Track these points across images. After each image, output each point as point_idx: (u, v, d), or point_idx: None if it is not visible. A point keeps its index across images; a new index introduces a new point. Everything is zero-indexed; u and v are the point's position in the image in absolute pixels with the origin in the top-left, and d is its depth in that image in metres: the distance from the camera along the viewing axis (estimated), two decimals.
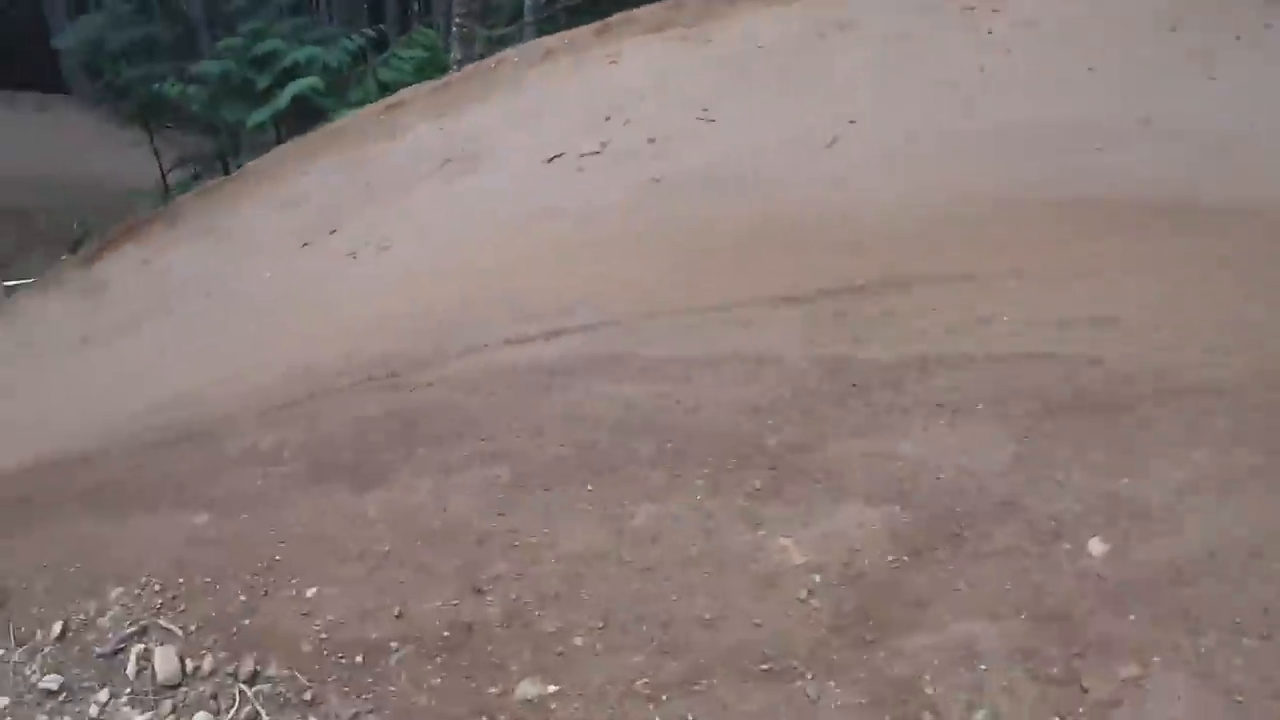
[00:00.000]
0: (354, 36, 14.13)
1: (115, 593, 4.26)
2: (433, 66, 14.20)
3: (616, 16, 8.70)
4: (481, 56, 13.41)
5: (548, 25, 14.78)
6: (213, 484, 4.75)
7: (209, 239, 10.11)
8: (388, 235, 7.94)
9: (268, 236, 9.38)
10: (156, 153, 16.35)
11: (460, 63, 12.41)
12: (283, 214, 9.60)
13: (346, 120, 10.54)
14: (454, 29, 12.61)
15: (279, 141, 14.51)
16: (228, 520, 4.46)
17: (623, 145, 7.14)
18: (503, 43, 14.64)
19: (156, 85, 14.01)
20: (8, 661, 4.05)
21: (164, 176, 16.31)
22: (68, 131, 20.29)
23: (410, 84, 14.24)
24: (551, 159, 7.31)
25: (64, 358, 10.01)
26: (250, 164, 11.40)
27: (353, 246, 8.07)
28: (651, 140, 7.09)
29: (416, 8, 25.28)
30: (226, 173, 15.78)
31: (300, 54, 13.38)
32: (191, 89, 13.68)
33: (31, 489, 5.36)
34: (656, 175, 6.65)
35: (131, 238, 11.37)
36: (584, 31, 8.71)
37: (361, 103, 13.46)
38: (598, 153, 7.15)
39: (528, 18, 14.81)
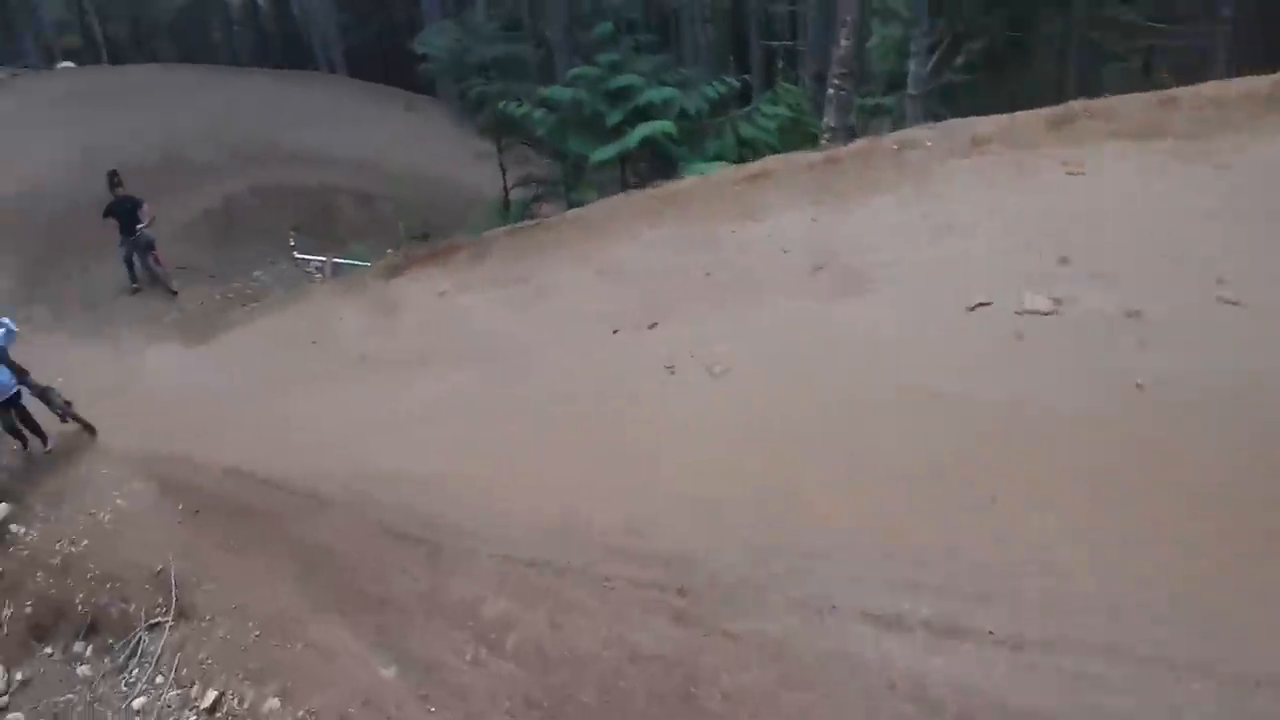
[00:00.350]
0: (716, 83, 12.77)
1: None
2: (797, 130, 12.68)
3: (1077, 105, 6.49)
4: (854, 128, 11.63)
5: (937, 101, 12.67)
6: None
7: (513, 290, 9.52)
8: (721, 355, 6.68)
9: (577, 307, 8.60)
10: (503, 167, 16.47)
11: (833, 132, 10.67)
12: (599, 283, 8.77)
13: (695, 183, 9.29)
14: (830, 91, 10.85)
15: (623, 182, 13.61)
16: None
17: (1088, 310, 4.95)
18: (876, 114, 12.71)
19: (506, 104, 13.33)
20: None
21: (506, 192, 16.38)
22: (428, 131, 21.19)
23: (771, 145, 12.89)
24: (974, 307, 5.24)
25: (339, 371, 9.53)
26: (575, 213, 10.73)
27: (673, 355, 6.95)
28: (1133, 314, 4.83)
29: (781, 62, 23.82)
30: (568, 201, 15.18)
31: (657, 94, 12.33)
32: (540, 113, 13.10)
33: None
34: (1141, 376, 4.42)
35: (436, 262, 10.99)
36: (1030, 120, 6.69)
37: (717, 157, 12.14)
38: (1048, 314, 5.01)
39: (912, 89, 12.83)
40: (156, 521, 8.41)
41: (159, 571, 7.79)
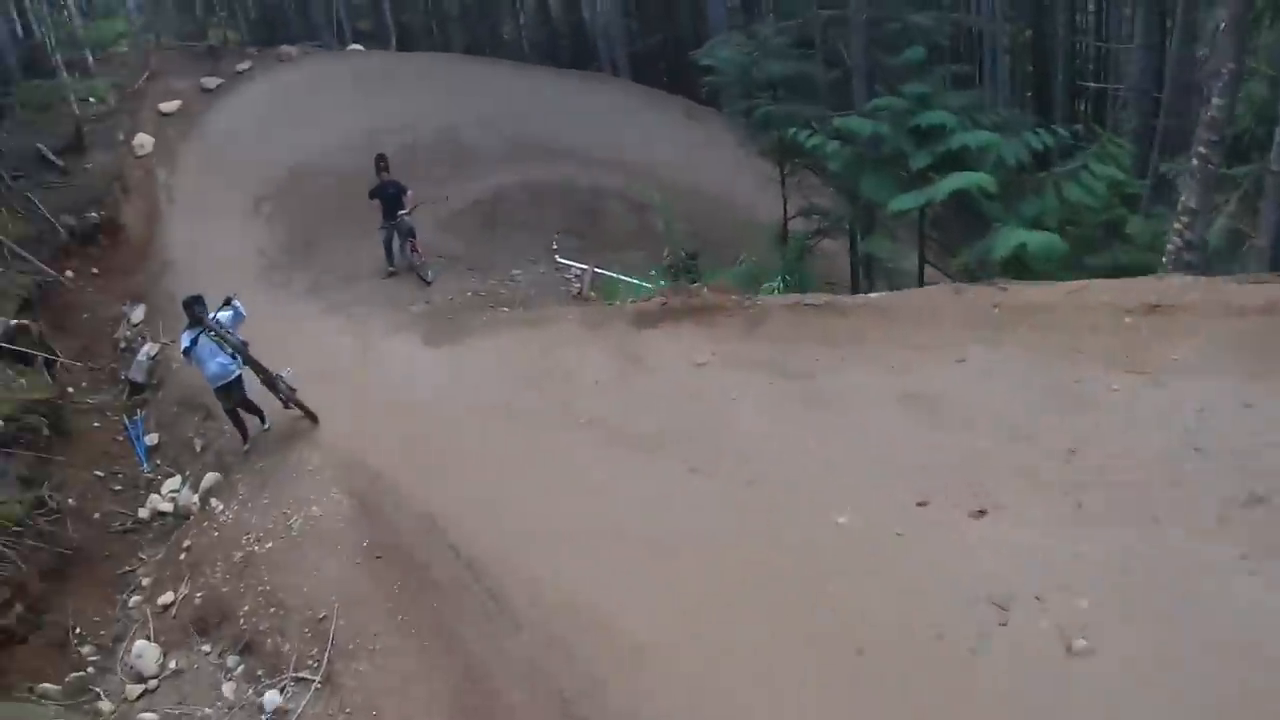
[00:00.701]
0: (1041, 131, 11.35)
1: None
2: (1119, 194, 11.07)
3: None
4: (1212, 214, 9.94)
5: None
6: None
7: (789, 386, 8.50)
8: (1083, 616, 4.75)
9: (871, 440, 7.34)
10: (784, 195, 15.98)
11: (1193, 216, 9.06)
12: (903, 415, 7.50)
13: (1058, 297, 8.15)
14: (1194, 162, 9.26)
15: (920, 236, 12.39)
16: None
17: None
18: (1248, 200, 10.84)
19: (796, 130, 12.45)
20: None
21: (785, 221, 15.46)
22: (707, 145, 21.03)
23: (1097, 210, 11.36)
24: None
25: (562, 432, 9.10)
26: (879, 299, 9.81)
27: (1008, 588, 5.13)
28: None
29: (1086, 106, 21.23)
30: (852, 245, 14.18)
31: (973, 138, 11.29)
32: (833, 145, 12.24)
33: None
34: None
35: (699, 319, 10.30)
36: None
37: (1036, 222, 10.76)
38: None
39: (1276, 164, 10.75)
40: (339, 549, 8.34)
41: (322, 618, 7.62)
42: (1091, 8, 22.88)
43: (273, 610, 7.93)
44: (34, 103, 16.90)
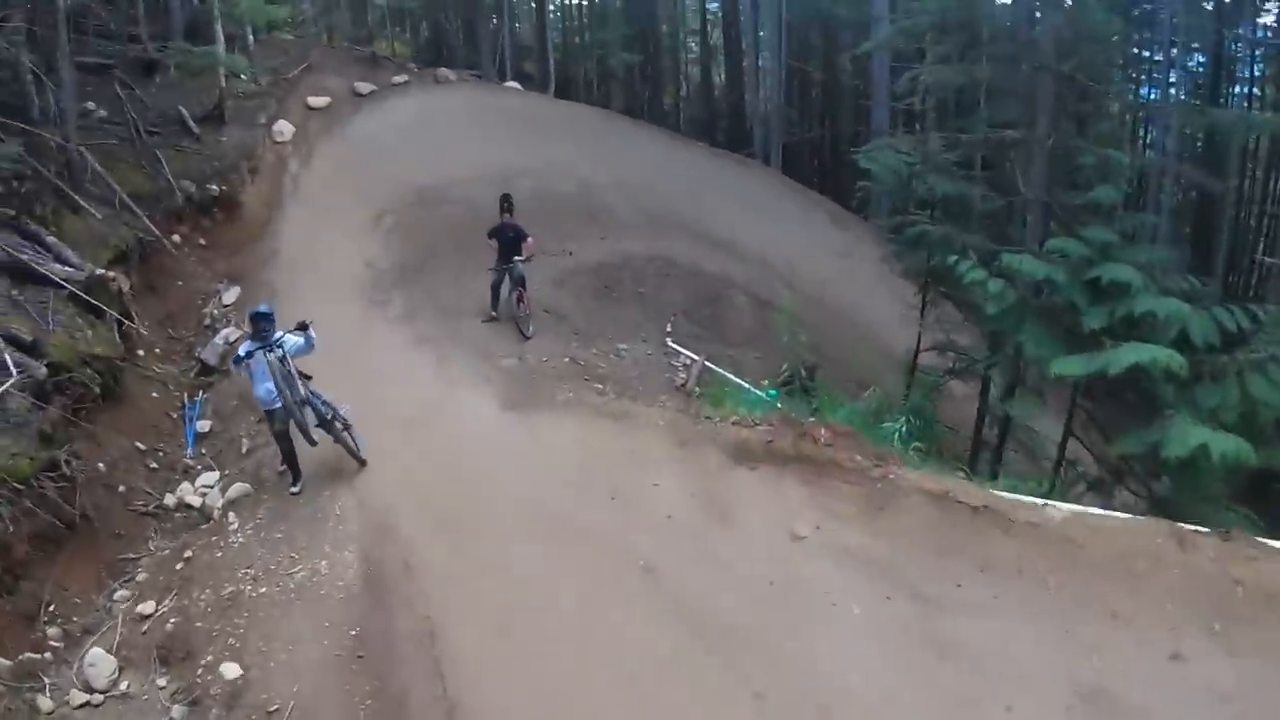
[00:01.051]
0: (1233, 309, 9.89)
1: None
2: None
3: None
4: None
5: None
6: None
7: (915, 612, 6.75)
8: None
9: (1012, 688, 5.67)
10: (921, 325, 14.66)
11: None
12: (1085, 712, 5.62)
13: None
14: None
15: (1071, 406, 10.95)
16: None
17: None
18: None
19: (955, 258, 11.16)
20: None
21: (917, 353, 14.58)
22: (848, 253, 20.00)
23: (1275, 408, 9.77)
24: None
25: (613, 578, 7.75)
26: (1067, 519, 7.37)
27: None
28: None
29: (1259, 256, 19.22)
30: (984, 393, 12.84)
31: (1160, 305, 9.76)
32: (995, 284, 10.68)
33: None
34: None
35: (808, 473, 8.39)
36: None
37: (1213, 415, 9.20)
38: None
39: None
40: (326, 628, 7.43)
41: (273, 712, 6.76)
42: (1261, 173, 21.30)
43: (232, 674, 7.13)
44: (189, 66, 16.86)
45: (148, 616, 7.82)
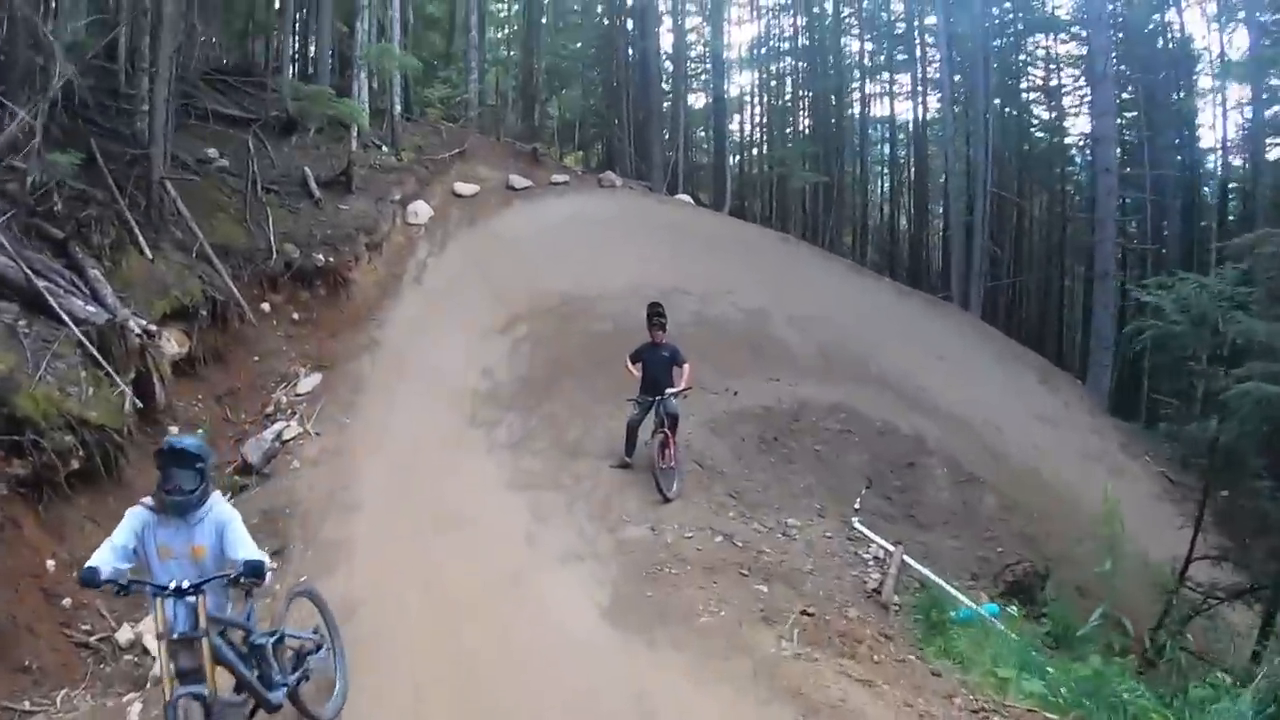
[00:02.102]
0: None
1: None
2: None
3: None
4: None
5: None
6: None
7: None
8: None
9: None
10: (1197, 528, 10.40)
11: None
12: None
13: None
14: None
15: None
16: None
17: None
18: None
19: None
20: None
21: (1186, 564, 10.48)
22: (1059, 420, 16.26)
23: None
24: None
25: None
26: None
27: None
28: None
29: None
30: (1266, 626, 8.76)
31: None
32: None
33: None
34: None
35: None
36: None
37: None
38: None
39: None
40: None
41: None
42: None
43: None
44: (305, 111, 15.07)
45: None
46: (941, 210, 24.47)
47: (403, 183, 15.96)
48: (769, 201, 25.78)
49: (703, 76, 28.62)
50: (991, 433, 14.75)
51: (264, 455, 9.24)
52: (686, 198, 21.05)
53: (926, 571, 9.53)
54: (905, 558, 9.57)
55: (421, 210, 15.63)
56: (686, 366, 9.99)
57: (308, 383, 10.97)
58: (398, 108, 17.23)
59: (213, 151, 14.42)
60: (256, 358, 11.49)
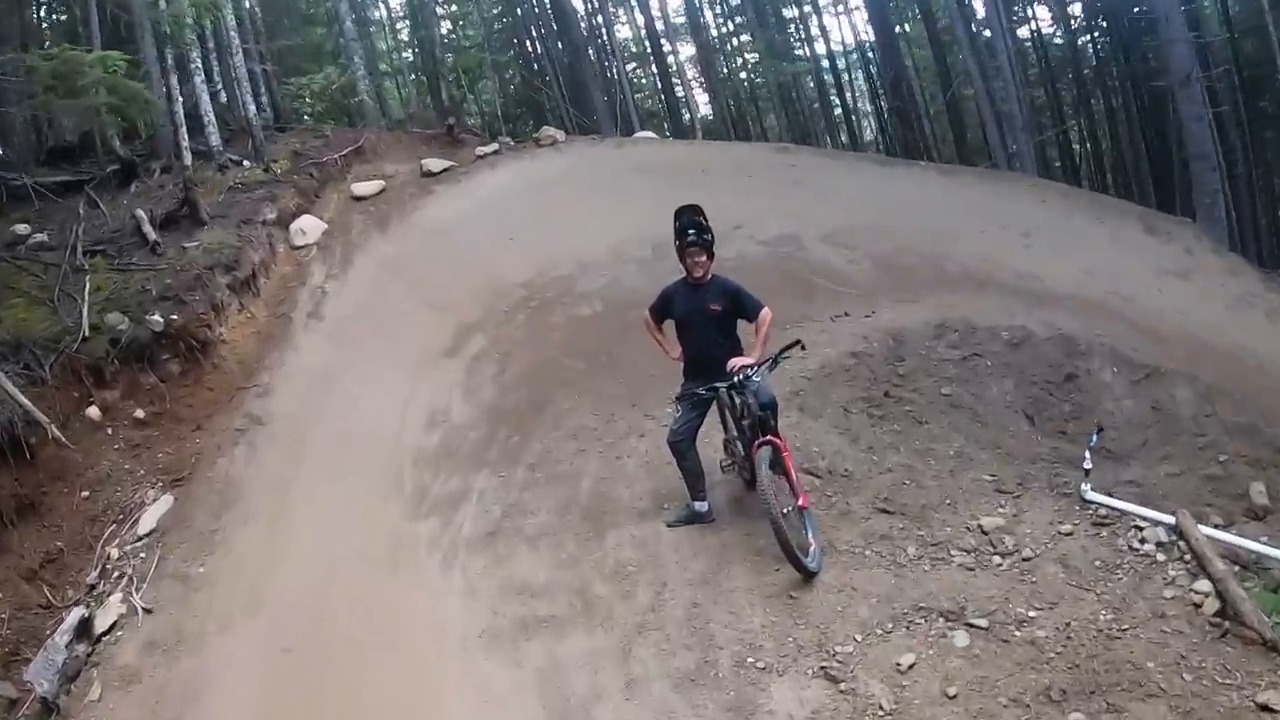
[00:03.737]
0: None
1: None
2: None
3: None
4: None
5: None
6: None
7: None
8: None
9: None
10: None
11: None
12: None
13: None
14: None
15: None
16: None
17: None
18: None
19: None
20: None
21: None
22: (1189, 274, 11.98)
23: None
24: None
25: None
26: None
27: None
28: None
29: None
30: None
31: None
32: None
33: None
34: None
35: None
36: None
37: None
38: None
39: None
40: None
41: None
42: None
43: None
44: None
45: None
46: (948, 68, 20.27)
47: (277, 199, 11.72)
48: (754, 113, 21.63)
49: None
50: (1129, 307, 10.71)
51: (59, 676, 5.16)
52: (649, 134, 16.90)
53: (1246, 542, 5.39)
54: (1204, 530, 5.43)
55: (310, 226, 11.48)
56: (764, 313, 5.69)
57: (151, 515, 6.79)
58: (251, 108, 13.03)
59: (23, 228, 10.48)
60: (86, 493, 7.38)
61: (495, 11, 23.24)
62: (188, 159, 10.75)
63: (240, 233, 10.40)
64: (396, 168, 14.19)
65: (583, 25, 21.55)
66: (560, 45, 20.84)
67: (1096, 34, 18.96)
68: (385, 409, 8.04)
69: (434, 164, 13.98)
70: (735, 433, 5.79)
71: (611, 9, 22.88)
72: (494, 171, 14.11)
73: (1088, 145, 19.32)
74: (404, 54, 25.19)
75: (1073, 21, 19.63)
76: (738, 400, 5.50)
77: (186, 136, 11.14)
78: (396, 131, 16.50)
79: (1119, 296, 10.88)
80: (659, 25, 22.97)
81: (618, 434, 7.16)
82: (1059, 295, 10.56)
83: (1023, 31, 19.49)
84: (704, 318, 5.69)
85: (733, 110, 21.52)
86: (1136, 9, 16.99)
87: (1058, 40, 19.91)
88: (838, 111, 23.25)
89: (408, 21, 24.31)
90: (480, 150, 14.79)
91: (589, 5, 22.18)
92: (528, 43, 23.05)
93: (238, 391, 8.50)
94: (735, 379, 5.38)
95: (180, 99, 11.70)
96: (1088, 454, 6.17)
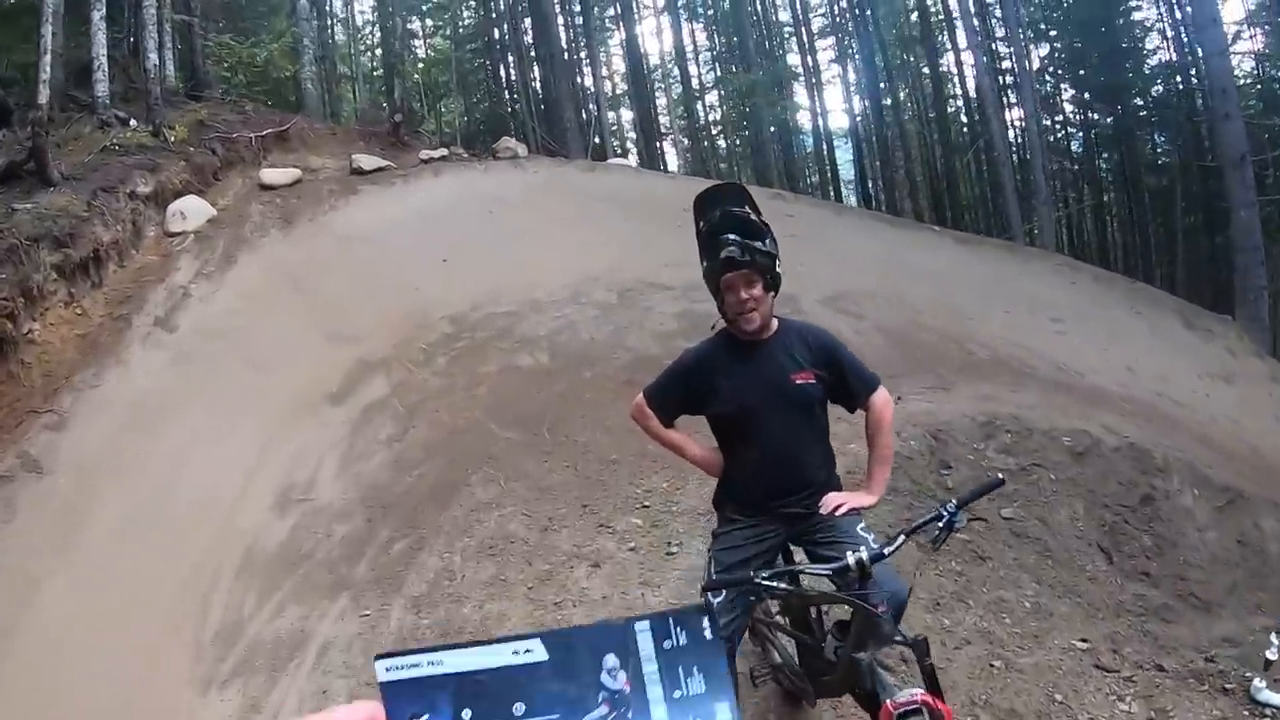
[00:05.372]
0: None
1: None
2: None
3: None
4: None
5: None
6: None
7: None
8: None
9: None
10: None
11: None
12: None
13: None
14: None
15: None
16: None
17: None
18: None
19: None
20: None
21: None
22: (1232, 378, 10.52)
23: None
24: None
25: None
26: None
27: None
28: None
29: None
30: None
31: None
32: None
33: None
34: None
35: None
36: None
37: None
38: None
39: None
40: None
41: None
42: None
43: None
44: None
45: None
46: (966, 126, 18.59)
47: (159, 170, 9.23)
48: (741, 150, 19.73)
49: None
50: (1182, 412, 8.78)
51: None
52: (626, 161, 14.78)
53: None
54: None
55: (193, 210, 9.02)
56: (883, 397, 3.08)
57: None
58: (152, 59, 10.49)
59: None
60: None
61: (470, 22, 21.31)
62: (43, 96, 8.27)
63: (93, 202, 7.91)
64: (324, 161, 11.83)
65: (563, 37, 19.64)
66: (535, 53, 18.80)
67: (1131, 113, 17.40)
68: (225, 472, 5.59)
69: (366, 161, 11.63)
70: (816, 642, 3.00)
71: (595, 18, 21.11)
72: (437, 179, 11.79)
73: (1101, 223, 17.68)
74: (368, 59, 23.14)
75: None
76: (846, 595, 2.61)
77: (50, 75, 8.72)
78: (333, 124, 14.17)
79: (1168, 399, 9.01)
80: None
81: (558, 557, 4.80)
82: (1107, 394, 8.56)
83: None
84: (787, 404, 2.97)
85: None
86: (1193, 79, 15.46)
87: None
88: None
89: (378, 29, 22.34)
90: (426, 154, 12.49)
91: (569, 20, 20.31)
92: (500, 65, 21.21)
93: (26, 416, 6.00)
94: (848, 560, 2.52)
95: (56, 36, 9.29)
96: (1275, 637, 3.97)
